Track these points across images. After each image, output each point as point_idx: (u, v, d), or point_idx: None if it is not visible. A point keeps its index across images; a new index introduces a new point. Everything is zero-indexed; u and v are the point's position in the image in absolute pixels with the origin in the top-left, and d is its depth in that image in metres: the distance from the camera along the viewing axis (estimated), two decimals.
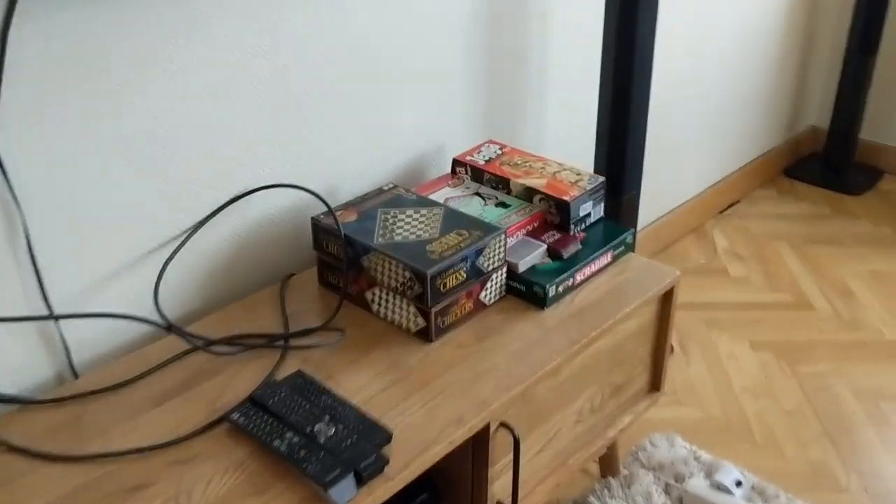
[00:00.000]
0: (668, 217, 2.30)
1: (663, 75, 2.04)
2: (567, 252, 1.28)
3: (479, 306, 1.21)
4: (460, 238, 1.17)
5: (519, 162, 1.41)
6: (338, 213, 1.24)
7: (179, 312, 1.24)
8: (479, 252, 1.17)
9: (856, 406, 1.74)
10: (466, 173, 1.43)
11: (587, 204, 1.33)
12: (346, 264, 1.20)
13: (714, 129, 2.35)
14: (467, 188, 1.39)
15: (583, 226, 1.34)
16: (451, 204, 1.33)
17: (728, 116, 2.39)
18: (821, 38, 2.72)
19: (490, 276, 1.21)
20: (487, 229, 1.19)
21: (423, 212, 1.25)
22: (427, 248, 1.15)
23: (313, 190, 1.31)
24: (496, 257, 1.20)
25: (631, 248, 1.35)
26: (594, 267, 1.29)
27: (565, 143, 1.84)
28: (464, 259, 1.15)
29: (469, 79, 1.54)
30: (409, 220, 1.23)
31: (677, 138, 2.21)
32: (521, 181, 1.35)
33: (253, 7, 1.17)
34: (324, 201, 1.23)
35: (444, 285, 1.13)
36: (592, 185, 1.33)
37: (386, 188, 1.32)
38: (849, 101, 2.64)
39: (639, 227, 2.22)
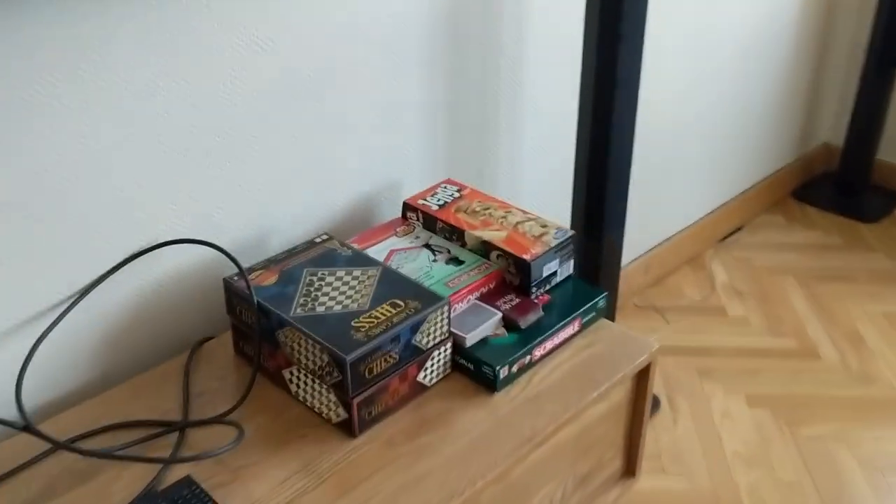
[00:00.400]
0: (661, 247, 2.11)
1: (655, 94, 1.84)
2: (525, 321, 1.09)
3: (417, 389, 1.03)
4: (393, 311, 0.99)
5: (478, 209, 1.23)
6: (255, 274, 1.06)
7: (61, 392, 1.06)
8: (415, 328, 0.99)
9: (860, 479, 1.55)
10: (418, 220, 1.24)
11: (552, 262, 1.15)
12: (259, 337, 1.02)
13: (715, 148, 2.15)
14: (417, 238, 1.21)
15: (547, 286, 1.16)
16: (396, 259, 1.15)
17: (731, 134, 2.19)
18: (836, 47, 2.51)
19: (430, 353, 1.03)
20: (428, 299, 1.01)
21: (357, 273, 1.06)
22: (353, 323, 0.97)
23: (222, 247, 1.12)
24: (438, 331, 1.02)
25: (604, 313, 1.17)
26: (558, 339, 1.10)
27: (541, 181, 1.65)
28: (395, 339, 0.96)
29: (428, 112, 1.35)
30: (339, 284, 1.04)
31: (672, 160, 2.02)
32: (477, 233, 1.17)
33: (152, 36, 0.99)
34: (234, 260, 1.04)
35: (370, 371, 0.95)
36: (559, 240, 1.15)
37: (318, 240, 1.14)
38: (866, 117, 2.43)
39: (628, 258, 2.04)
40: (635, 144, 1.87)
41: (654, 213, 2.04)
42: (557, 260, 1.15)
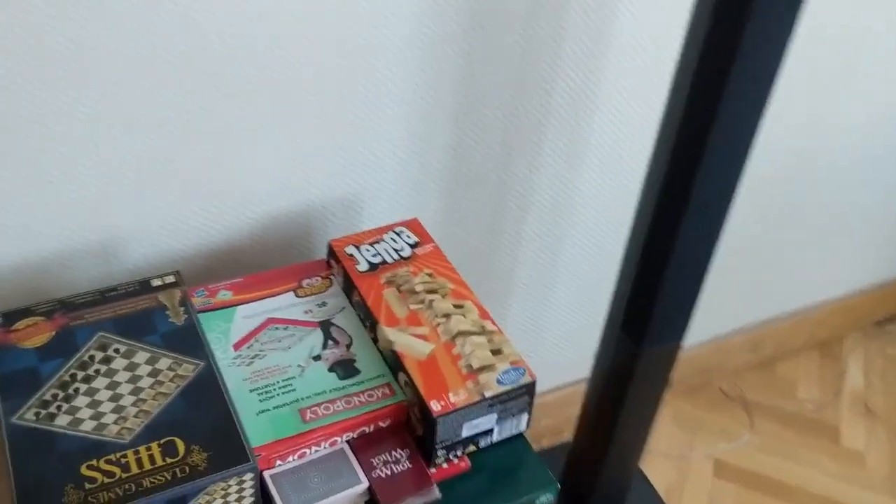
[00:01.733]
0: (783, 321, 1.58)
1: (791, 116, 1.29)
2: None
3: None
4: (158, 463, 0.61)
5: (419, 288, 0.80)
6: (26, 323, 0.70)
7: None
8: (181, 500, 0.61)
9: None
10: (336, 274, 0.84)
11: (483, 419, 0.72)
12: None
13: (884, 202, 1.56)
14: (321, 306, 0.81)
15: (471, 447, 0.74)
16: (265, 337, 0.76)
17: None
18: None
19: None
20: (229, 452, 0.62)
21: (163, 364, 0.69)
22: (84, 466, 0.61)
23: None
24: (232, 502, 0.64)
25: None
26: None
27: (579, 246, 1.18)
28: None
29: (425, 102, 0.91)
30: (122, 377, 0.68)
31: (813, 210, 1.46)
32: (391, 334, 0.76)
33: None
34: None
35: None
36: (505, 387, 0.72)
37: (157, 283, 0.77)
38: None
39: (732, 326, 1.53)
40: (755, 182, 1.34)
41: (779, 275, 1.50)
42: (494, 415, 0.72)
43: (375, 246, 0.84)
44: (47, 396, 0.65)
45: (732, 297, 1.48)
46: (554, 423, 1.45)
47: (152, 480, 0.60)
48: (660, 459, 1.43)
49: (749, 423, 1.50)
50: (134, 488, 0.60)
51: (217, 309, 0.78)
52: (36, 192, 0.77)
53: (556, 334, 1.32)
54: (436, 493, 0.70)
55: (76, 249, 0.81)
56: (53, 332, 0.70)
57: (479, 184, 1.03)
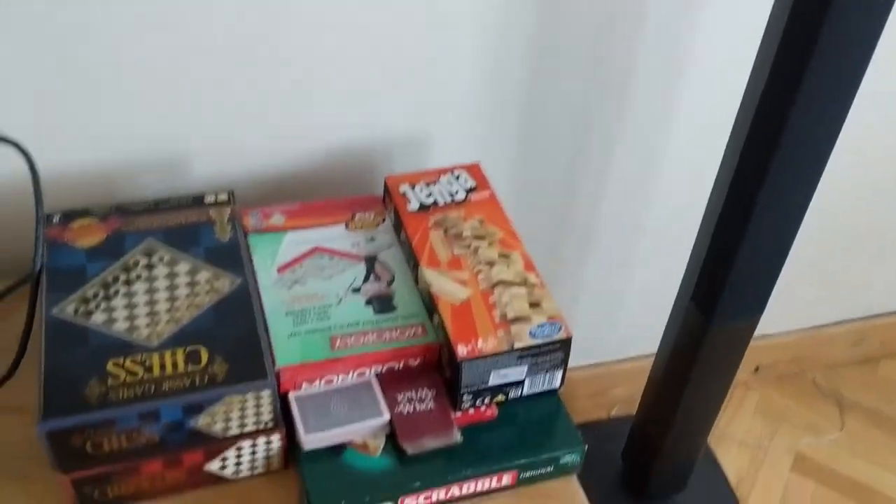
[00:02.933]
0: (891, 318, 1.46)
1: None
2: (416, 446, 0.68)
3: (207, 479, 0.67)
4: (180, 369, 0.63)
5: (468, 233, 0.78)
6: (81, 223, 0.73)
7: None
8: (192, 409, 0.62)
9: None
10: (389, 212, 0.83)
11: (512, 369, 0.70)
12: (31, 313, 0.71)
13: None
14: (370, 241, 0.80)
15: (500, 397, 0.72)
16: (310, 264, 0.76)
17: None
18: None
19: (235, 442, 0.66)
20: (248, 367, 0.63)
21: (201, 276, 0.70)
22: (112, 362, 0.63)
23: (25, 146, 0.78)
24: (249, 419, 0.65)
25: (570, 469, 0.71)
26: (459, 491, 0.68)
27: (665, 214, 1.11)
28: (151, 415, 0.61)
29: (501, 48, 0.88)
30: (162, 283, 0.69)
31: None
32: (430, 275, 0.74)
33: None
34: (37, 193, 0.71)
35: (98, 445, 0.61)
36: (537, 340, 0.69)
37: (210, 200, 0.78)
38: None
39: (833, 317, 1.43)
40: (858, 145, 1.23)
41: (892, 269, 1.39)
42: (524, 368, 0.70)
43: (430, 186, 0.82)
44: (88, 294, 0.67)
45: (839, 287, 1.38)
46: (628, 393, 1.40)
47: (172, 384, 0.62)
48: (735, 446, 1.36)
49: (840, 421, 1.41)
50: (153, 389, 0.61)
51: (268, 232, 0.79)
52: (111, 104, 0.80)
53: (635, 301, 1.28)
54: (456, 436, 0.69)
55: (142, 162, 0.84)
56: (105, 235, 0.72)
57: (556, 131, 0.99)
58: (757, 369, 1.45)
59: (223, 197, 0.77)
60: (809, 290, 1.37)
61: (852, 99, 0.77)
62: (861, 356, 1.50)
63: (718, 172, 0.89)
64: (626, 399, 1.40)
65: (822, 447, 1.37)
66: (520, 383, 0.71)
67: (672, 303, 1.30)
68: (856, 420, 1.41)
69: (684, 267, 1.25)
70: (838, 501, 1.29)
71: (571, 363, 1.33)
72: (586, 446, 0.70)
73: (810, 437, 1.38)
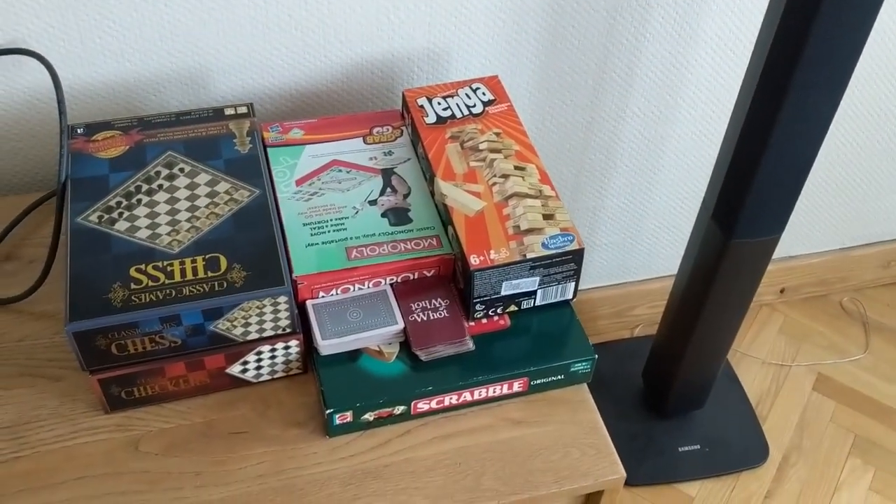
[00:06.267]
0: None
1: None
2: (430, 352, 0.70)
3: (230, 382, 0.70)
4: (200, 275, 0.64)
5: (483, 146, 0.78)
6: (105, 135, 0.75)
7: None
8: (213, 314, 0.64)
9: None
10: (407, 126, 0.83)
11: (524, 280, 0.71)
12: (58, 223, 0.73)
13: None
14: (387, 155, 0.80)
15: (512, 307, 0.73)
16: (327, 178, 0.77)
17: None
18: None
19: (254, 346, 0.69)
20: (265, 274, 0.65)
21: (221, 188, 0.71)
22: (134, 268, 0.65)
23: (48, 59, 0.79)
24: (267, 324, 0.67)
25: (581, 378, 0.72)
26: (472, 396, 0.70)
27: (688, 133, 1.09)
28: (171, 319, 0.63)
29: None
30: (182, 193, 0.71)
31: None
32: (445, 188, 0.75)
33: None
34: (61, 107, 0.73)
35: (122, 347, 0.64)
36: (550, 251, 0.70)
37: (230, 111, 0.79)
38: None
39: (859, 240, 1.42)
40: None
41: None
42: (536, 279, 0.71)
43: (448, 100, 0.82)
44: (112, 203, 0.69)
45: (868, 209, 1.36)
46: (651, 312, 1.41)
47: (192, 289, 0.64)
48: (756, 365, 1.37)
49: (864, 343, 1.41)
50: (174, 294, 0.63)
51: (287, 145, 0.80)
52: (133, 16, 0.80)
53: (657, 221, 1.27)
54: (469, 344, 0.70)
55: (165, 75, 0.85)
56: (127, 147, 0.74)
57: (580, 48, 0.98)
58: (783, 291, 1.45)
59: (243, 109, 0.78)
60: (837, 212, 1.36)
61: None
62: (889, 278, 1.48)
63: (742, 85, 0.87)
64: (648, 319, 1.41)
65: (845, 368, 1.37)
66: (532, 294, 0.72)
67: (691, 222, 1.30)
68: (881, 342, 1.41)
69: (704, 185, 1.24)
70: (858, 421, 1.30)
71: (594, 283, 1.34)
72: (597, 356, 0.71)
73: (834, 358, 1.39)
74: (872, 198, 1.34)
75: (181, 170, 0.72)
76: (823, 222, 1.36)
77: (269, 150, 0.79)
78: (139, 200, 0.70)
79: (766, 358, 1.38)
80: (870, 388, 1.35)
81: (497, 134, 0.79)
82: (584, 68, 1.01)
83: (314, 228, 0.73)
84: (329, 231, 0.73)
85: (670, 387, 1.20)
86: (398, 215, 0.75)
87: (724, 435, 1.26)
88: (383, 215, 0.75)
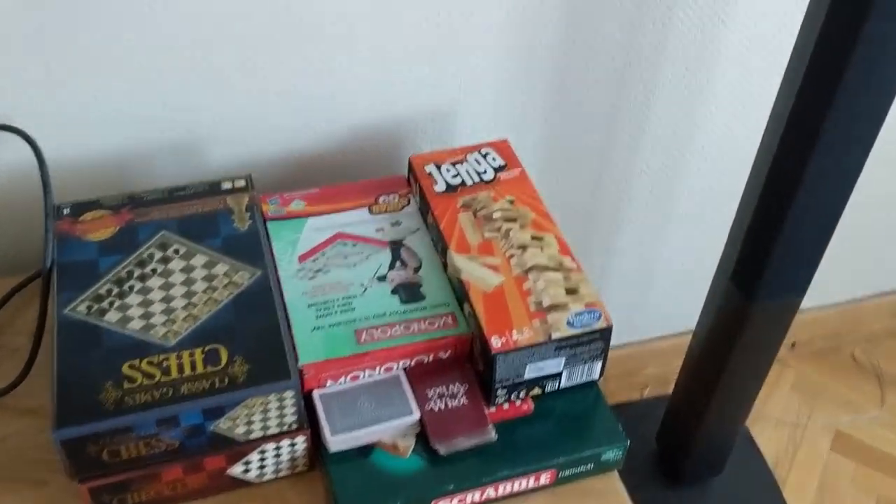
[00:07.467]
0: None
1: None
2: (449, 446, 0.64)
3: (231, 483, 0.64)
4: (199, 370, 0.59)
5: (497, 214, 0.74)
6: (94, 215, 0.70)
7: None
8: (213, 413, 0.59)
9: None
10: (414, 194, 0.79)
11: (548, 361, 0.66)
12: (40, 324, 0.68)
13: None
14: (394, 225, 0.76)
15: (536, 390, 0.68)
16: (332, 252, 0.72)
17: None
18: None
19: (258, 445, 0.63)
20: (270, 367, 0.59)
21: (219, 270, 0.66)
22: (127, 365, 0.60)
23: (32, 135, 0.74)
24: (273, 421, 0.62)
25: (611, 466, 0.67)
26: (495, 492, 0.65)
27: (702, 190, 1.06)
28: (170, 421, 0.58)
29: (529, 25, 0.83)
30: (177, 278, 0.65)
31: None
32: (460, 261, 0.70)
33: None
34: (45, 180, 0.68)
35: (116, 454, 0.58)
36: (576, 330, 0.65)
37: (227, 186, 0.74)
38: None
39: (868, 290, 1.38)
40: None
41: None
42: (561, 359, 0.66)
43: (457, 166, 0.78)
44: (102, 291, 0.64)
45: (878, 259, 1.33)
46: (661, 372, 1.36)
47: (190, 387, 0.58)
48: (772, 426, 1.32)
49: (880, 398, 1.36)
50: (171, 393, 0.58)
51: (288, 218, 0.75)
52: (119, 84, 0.76)
53: (668, 278, 1.23)
54: (491, 434, 0.65)
55: (157, 146, 0.80)
56: (117, 228, 0.69)
57: (588, 107, 0.95)
58: (793, 345, 1.41)
59: (241, 183, 0.74)
60: (847, 263, 1.32)
61: None
62: None
63: (763, 139, 0.83)
64: (658, 379, 1.36)
65: (863, 425, 1.33)
66: (557, 375, 0.67)
67: (704, 279, 1.26)
68: None
69: (716, 243, 1.20)
70: (881, 482, 1.25)
71: None
72: (629, 441, 0.66)
73: (850, 415, 1.34)
74: (884, 245, 1.31)
75: (176, 251, 0.67)
76: (834, 273, 1.33)
77: (269, 224, 0.74)
78: (131, 287, 0.64)
79: (780, 417, 1.33)
80: (889, 444, 1.30)
81: (511, 201, 0.75)
82: (593, 126, 0.97)
83: (320, 309, 0.68)
84: (336, 312, 0.68)
85: (688, 452, 1.14)
86: (409, 291, 0.70)
87: (747, 501, 1.20)
88: (393, 292, 0.70)
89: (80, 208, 0.70)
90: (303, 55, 0.79)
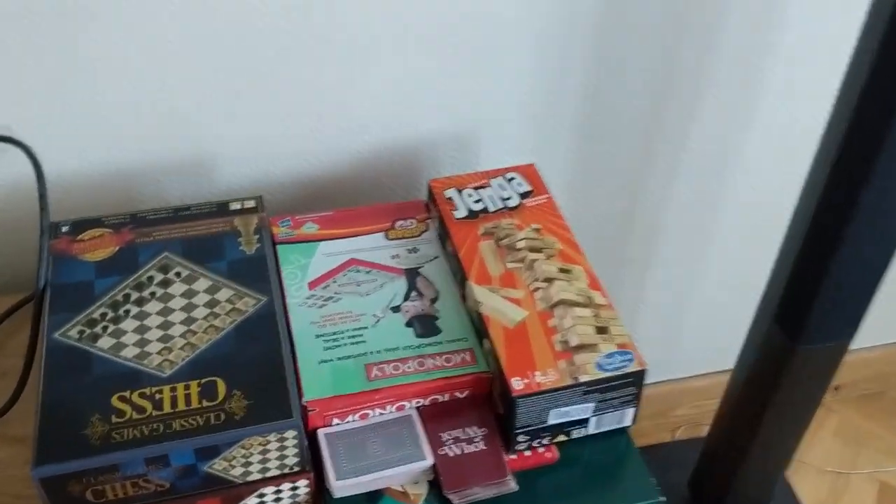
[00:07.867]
0: None
1: None
2: (463, 495, 0.59)
3: None
4: (194, 405, 0.54)
5: (522, 244, 0.69)
6: (93, 234, 0.65)
7: None
8: (207, 453, 0.54)
9: None
10: (433, 219, 0.74)
11: (576, 406, 0.60)
12: (31, 348, 0.64)
13: None
14: (411, 252, 0.71)
15: (560, 437, 0.62)
16: (344, 279, 0.67)
17: None
18: None
19: (257, 488, 0.58)
20: (272, 403, 0.54)
21: (222, 295, 0.62)
22: (117, 396, 0.55)
23: (33, 148, 0.71)
24: (272, 462, 0.57)
25: None
26: None
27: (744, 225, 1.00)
28: (159, 461, 0.53)
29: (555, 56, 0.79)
30: (177, 303, 0.61)
31: None
32: (479, 296, 0.65)
33: None
34: (43, 198, 0.64)
35: (99, 494, 0.54)
36: (607, 373, 0.59)
37: (236, 206, 0.70)
38: None
39: None
40: None
41: None
42: (590, 405, 0.60)
43: (480, 191, 0.73)
44: (96, 315, 0.60)
45: None
46: (693, 413, 1.29)
47: (183, 423, 0.54)
48: (813, 474, 1.25)
49: None
50: (162, 429, 0.53)
51: (299, 242, 0.71)
52: (125, 98, 0.72)
53: (703, 315, 1.17)
54: (511, 484, 0.59)
55: (163, 164, 0.76)
56: (117, 248, 0.65)
57: (621, 132, 0.89)
58: (837, 388, 1.33)
59: (250, 204, 0.69)
60: (893, 302, 1.25)
61: None
62: None
63: (810, 171, 0.78)
64: (691, 420, 1.29)
65: None
66: (584, 422, 0.61)
67: (740, 317, 1.19)
68: None
69: (755, 279, 1.14)
70: None
71: None
72: (664, 499, 0.60)
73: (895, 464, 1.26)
74: None
75: (178, 274, 0.63)
76: (879, 312, 1.25)
77: (278, 247, 0.70)
78: (127, 311, 0.60)
79: (822, 465, 1.26)
80: None
81: (536, 230, 0.69)
82: (626, 153, 0.92)
83: (328, 341, 0.63)
84: (346, 344, 0.63)
85: (724, 501, 1.07)
86: (425, 324, 0.65)
87: None
88: (408, 324, 0.65)
89: (79, 226, 0.66)
90: (320, 72, 0.75)
